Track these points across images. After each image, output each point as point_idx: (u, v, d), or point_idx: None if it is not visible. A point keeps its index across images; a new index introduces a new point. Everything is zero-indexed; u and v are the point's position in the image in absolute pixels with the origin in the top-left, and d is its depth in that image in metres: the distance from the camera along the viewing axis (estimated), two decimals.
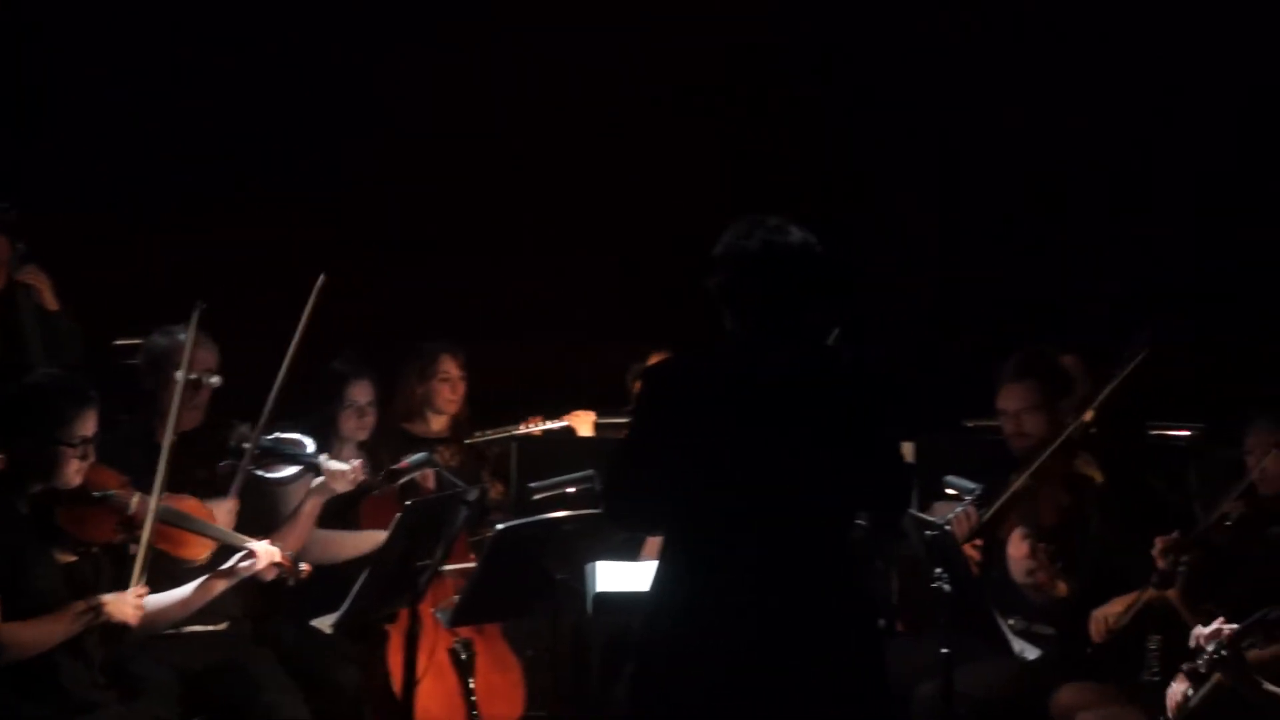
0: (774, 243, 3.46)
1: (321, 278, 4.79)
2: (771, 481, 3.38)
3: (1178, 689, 4.23)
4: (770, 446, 3.39)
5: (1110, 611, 4.69)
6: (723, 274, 3.48)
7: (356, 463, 4.89)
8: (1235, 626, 4.05)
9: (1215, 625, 4.08)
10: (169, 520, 4.44)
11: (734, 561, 3.37)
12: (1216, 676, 4.07)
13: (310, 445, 4.89)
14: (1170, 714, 4.23)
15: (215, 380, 4.80)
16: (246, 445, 4.75)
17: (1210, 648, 4.05)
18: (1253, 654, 4.11)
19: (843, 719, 3.40)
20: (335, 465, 4.86)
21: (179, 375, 4.62)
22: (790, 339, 3.45)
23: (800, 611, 3.36)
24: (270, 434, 4.82)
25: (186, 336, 4.65)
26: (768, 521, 3.38)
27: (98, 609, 4.18)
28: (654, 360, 5.88)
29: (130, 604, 4.23)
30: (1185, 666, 4.21)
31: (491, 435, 5.74)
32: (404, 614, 4.57)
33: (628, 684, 3.50)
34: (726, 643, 3.34)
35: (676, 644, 3.38)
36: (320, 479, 4.85)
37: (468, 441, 5.62)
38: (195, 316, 4.62)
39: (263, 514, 4.85)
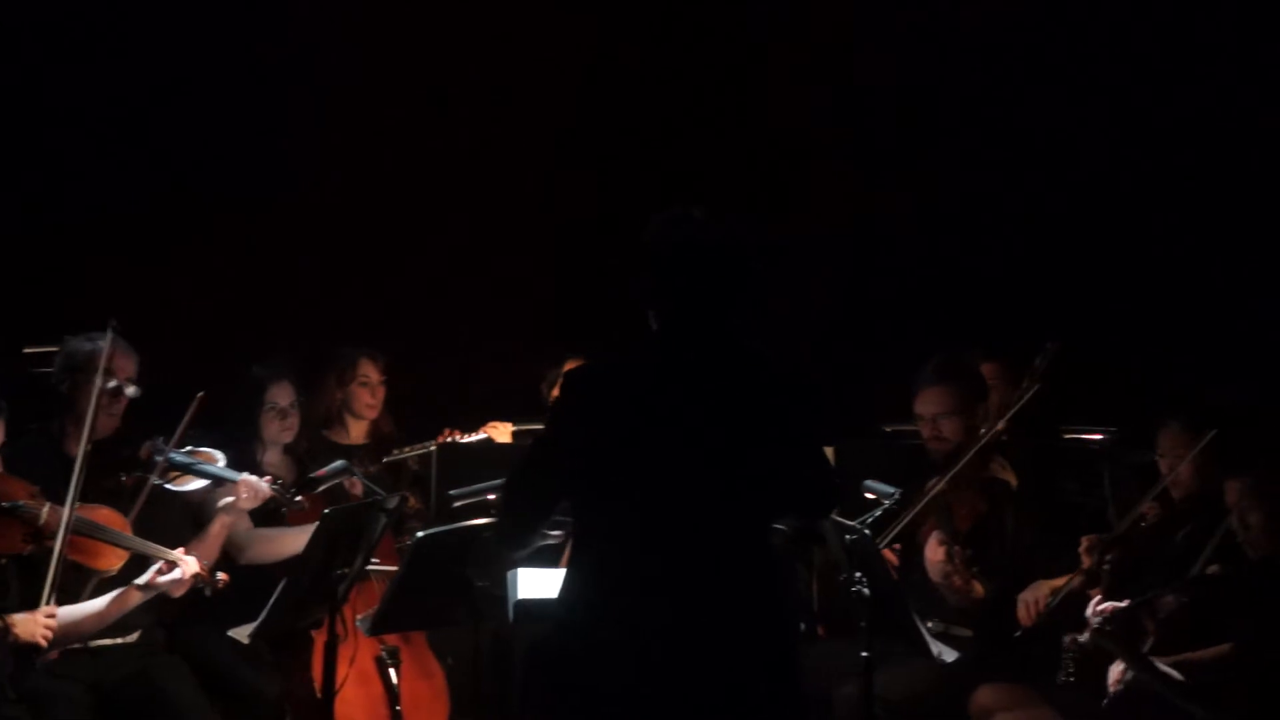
0: (697, 239, 3.40)
1: (200, 394, 4.71)
2: (687, 485, 3.33)
3: (1119, 666, 4.36)
4: (687, 449, 3.34)
5: (1038, 595, 4.73)
6: (645, 272, 3.42)
7: (264, 480, 4.83)
8: (1122, 605, 4.21)
9: (1107, 604, 4.24)
10: (82, 530, 4.38)
11: (647, 567, 3.32)
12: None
13: (222, 460, 4.82)
14: (1111, 686, 4.37)
15: (133, 390, 4.72)
16: (159, 457, 4.67)
17: (1095, 622, 4.22)
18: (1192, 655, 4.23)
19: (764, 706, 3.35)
20: (246, 480, 4.79)
21: (98, 381, 4.55)
22: (712, 339, 3.39)
23: (713, 617, 3.31)
24: (184, 446, 4.75)
25: (105, 345, 4.56)
26: (682, 526, 3.32)
27: (5, 629, 4.13)
28: (569, 366, 5.98)
29: (40, 624, 4.18)
30: (1066, 638, 4.37)
31: (409, 452, 5.65)
32: (325, 622, 4.46)
33: (538, 692, 3.44)
34: (638, 649, 3.29)
35: (587, 652, 3.32)
36: (228, 499, 4.78)
37: (386, 460, 5.58)
38: (109, 334, 4.54)
39: (170, 526, 4.78)
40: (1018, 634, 4.71)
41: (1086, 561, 4.60)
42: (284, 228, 6.63)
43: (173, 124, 6.54)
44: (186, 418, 4.68)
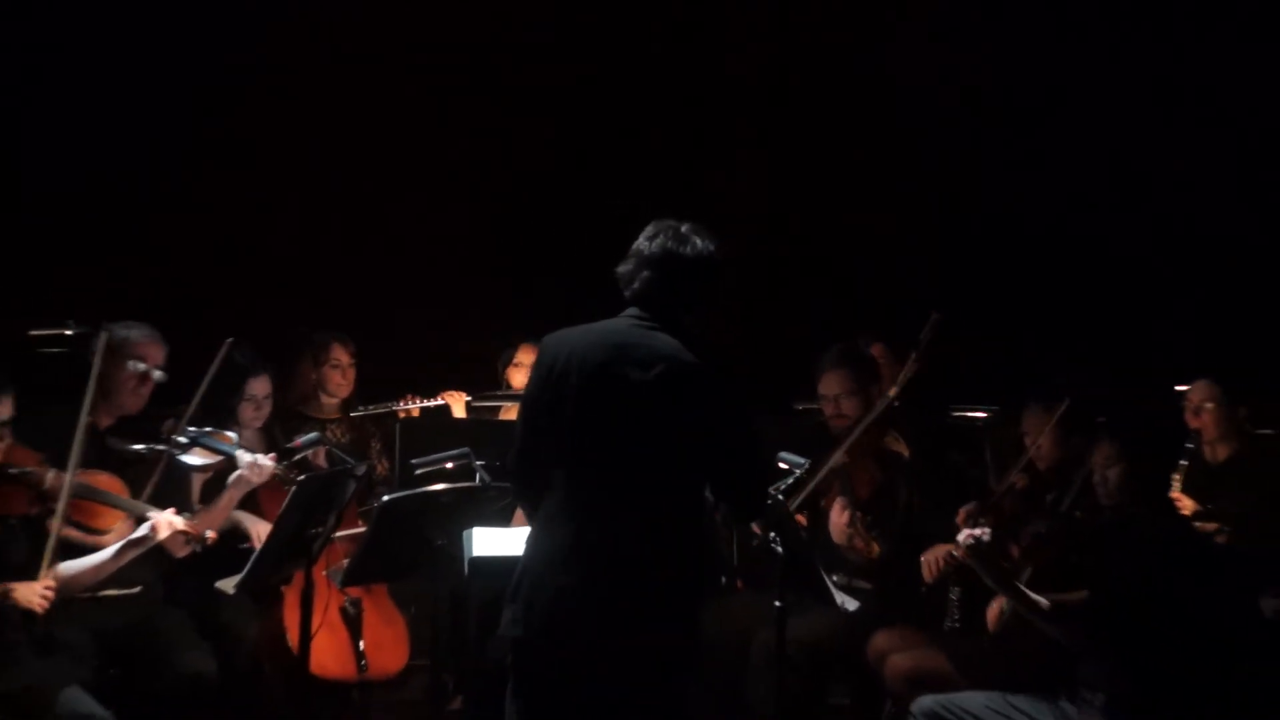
0: (669, 250, 3.53)
1: (229, 341, 4.74)
2: (635, 454, 3.44)
3: (995, 606, 4.41)
4: (638, 421, 3.45)
5: (938, 555, 4.79)
6: (624, 265, 3.57)
7: (271, 458, 4.82)
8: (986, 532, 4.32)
9: (977, 530, 4.32)
10: (82, 494, 4.36)
11: (592, 522, 3.46)
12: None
13: (234, 439, 4.82)
14: (990, 626, 4.43)
15: (160, 374, 4.74)
16: (180, 437, 4.67)
17: (965, 541, 4.29)
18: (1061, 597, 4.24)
19: (658, 644, 3.50)
20: (258, 460, 4.78)
21: (131, 365, 4.63)
22: (671, 330, 3.50)
23: (639, 563, 3.45)
24: (200, 426, 4.74)
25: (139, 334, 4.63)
26: (625, 488, 3.45)
27: (5, 593, 4.09)
28: (523, 347, 5.94)
29: (37, 592, 4.12)
30: (946, 555, 4.48)
31: (372, 410, 5.64)
32: (299, 576, 4.50)
33: (512, 617, 3.52)
34: (581, 583, 3.44)
35: (546, 585, 3.47)
36: (240, 472, 4.77)
37: (352, 415, 5.52)
38: (102, 340, 4.52)
39: (180, 494, 4.77)
40: (924, 589, 4.78)
41: (964, 526, 4.61)
42: (253, 213, 6.51)
43: (124, 110, 6.32)
44: (197, 398, 4.68)
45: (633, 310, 3.56)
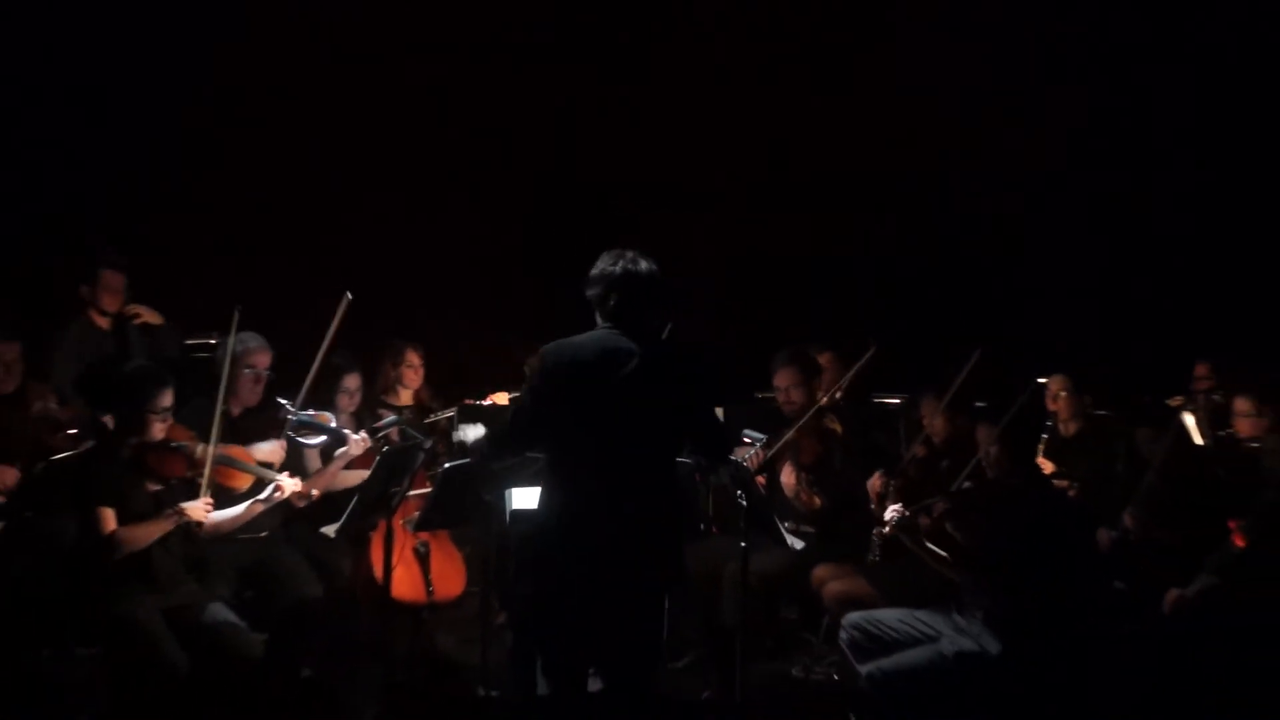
0: (629, 271, 4.03)
1: (347, 295, 5.10)
2: (621, 431, 3.98)
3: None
4: (622, 406, 3.97)
5: (874, 484, 5.24)
6: (594, 289, 4.07)
7: (363, 435, 5.41)
8: (903, 509, 4.82)
9: (895, 507, 4.88)
10: (222, 461, 5.05)
11: (592, 483, 3.99)
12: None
13: (334, 420, 5.43)
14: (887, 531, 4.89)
15: (269, 374, 5.39)
16: (291, 417, 5.35)
17: (891, 518, 4.86)
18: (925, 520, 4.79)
19: (653, 581, 4.03)
20: (356, 438, 5.34)
21: (248, 371, 5.27)
22: (638, 334, 4.04)
23: (632, 515, 3.99)
24: (308, 410, 5.37)
25: (230, 340, 5.12)
26: (616, 457, 3.99)
27: (180, 512, 4.82)
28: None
29: (201, 507, 4.84)
30: (874, 532, 4.99)
31: (440, 415, 6.28)
32: (382, 524, 5.10)
33: (530, 562, 4.09)
34: (586, 534, 3.98)
35: (557, 535, 4.02)
36: (344, 448, 5.38)
37: (426, 421, 6.16)
38: (235, 316, 5.07)
39: (294, 465, 5.42)
40: (883, 527, 5.05)
41: (878, 487, 5.27)
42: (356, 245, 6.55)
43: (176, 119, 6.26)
44: (305, 387, 5.31)
45: (607, 324, 4.02)
